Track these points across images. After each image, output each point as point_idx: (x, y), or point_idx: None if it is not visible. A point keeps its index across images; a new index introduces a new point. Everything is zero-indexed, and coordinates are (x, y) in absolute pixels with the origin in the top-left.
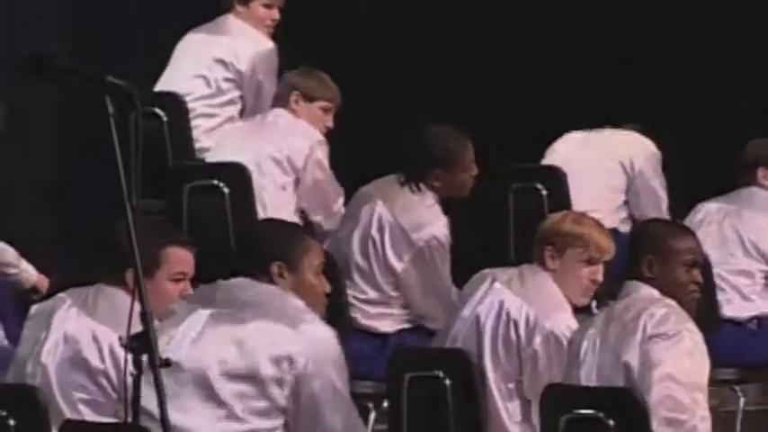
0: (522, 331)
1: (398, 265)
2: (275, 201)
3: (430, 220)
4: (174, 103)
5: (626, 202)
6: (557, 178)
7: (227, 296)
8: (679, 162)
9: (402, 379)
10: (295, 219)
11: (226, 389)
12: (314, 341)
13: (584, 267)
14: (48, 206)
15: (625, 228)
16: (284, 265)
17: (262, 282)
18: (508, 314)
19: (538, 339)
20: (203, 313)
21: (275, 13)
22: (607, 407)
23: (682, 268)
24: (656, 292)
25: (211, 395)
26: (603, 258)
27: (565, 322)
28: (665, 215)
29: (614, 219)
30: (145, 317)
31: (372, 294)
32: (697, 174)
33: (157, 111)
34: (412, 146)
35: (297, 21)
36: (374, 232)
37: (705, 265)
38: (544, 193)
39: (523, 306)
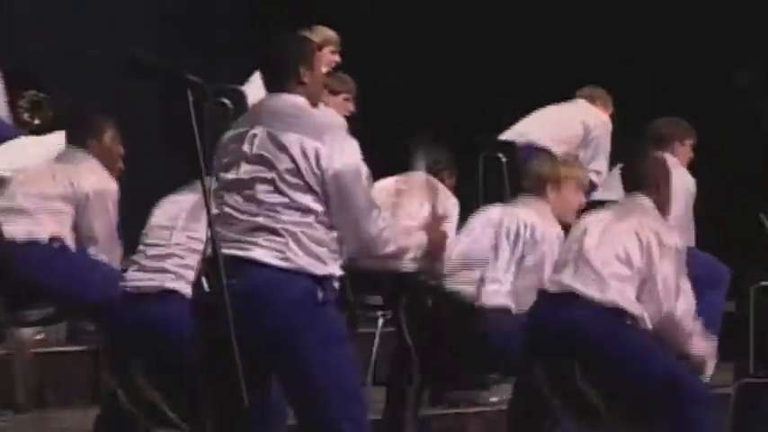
0: (528, 230)
1: None
2: None
3: None
4: (237, 96)
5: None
6: (512, 150)
7: (269, 112)
8: None
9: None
10: None
11: (278, 160)
12: (337, 149)
13: (575, 194)
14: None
15: None
16: (305, 67)
17: (290, 92)
18: (518, 217)
19: (538, 234)
20: (259, 128)
21: (337, 57)
22: None
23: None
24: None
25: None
26: (585, 188)
27: (557, 230)
28: (605, 168)
29: (557, 150)
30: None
31: None
32: (696, 171)
33: (225, 101)
34: None
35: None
36: None
37: None
38: (504, 160)
39: (531, 215)
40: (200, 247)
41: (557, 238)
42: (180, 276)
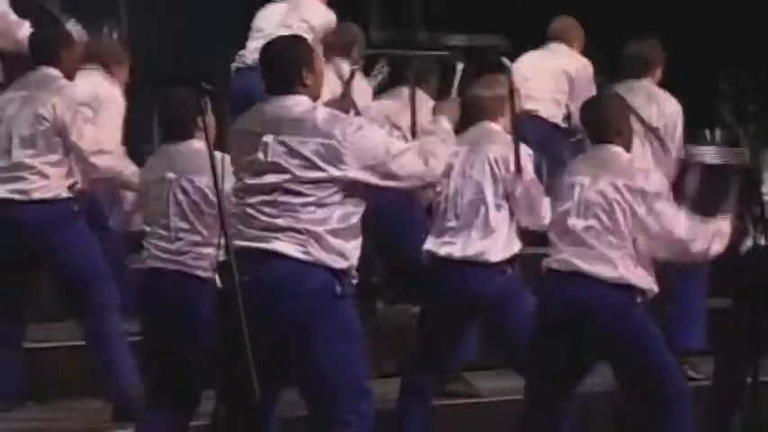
0: (502, 166)
1: None
2: None
3: None
4: None
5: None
6: None
7: (277, 118)
8: None
9: None
10: None
11: (292, 165)
12: (353, 138)
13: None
14: None
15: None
16: (307, 69)
17: (294, 94)
18: (487, 157)
19: (513, 165)
20: (270, 137)
21: None
22: None
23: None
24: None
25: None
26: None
27: (525, 150)
28: None
29: (557, 113)
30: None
31: None
32: None
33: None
34: None
35: None
36: None
37: None
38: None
39: (495, 149)
40: (193, 237)
41: (527, 155)
42: (195, 266)
